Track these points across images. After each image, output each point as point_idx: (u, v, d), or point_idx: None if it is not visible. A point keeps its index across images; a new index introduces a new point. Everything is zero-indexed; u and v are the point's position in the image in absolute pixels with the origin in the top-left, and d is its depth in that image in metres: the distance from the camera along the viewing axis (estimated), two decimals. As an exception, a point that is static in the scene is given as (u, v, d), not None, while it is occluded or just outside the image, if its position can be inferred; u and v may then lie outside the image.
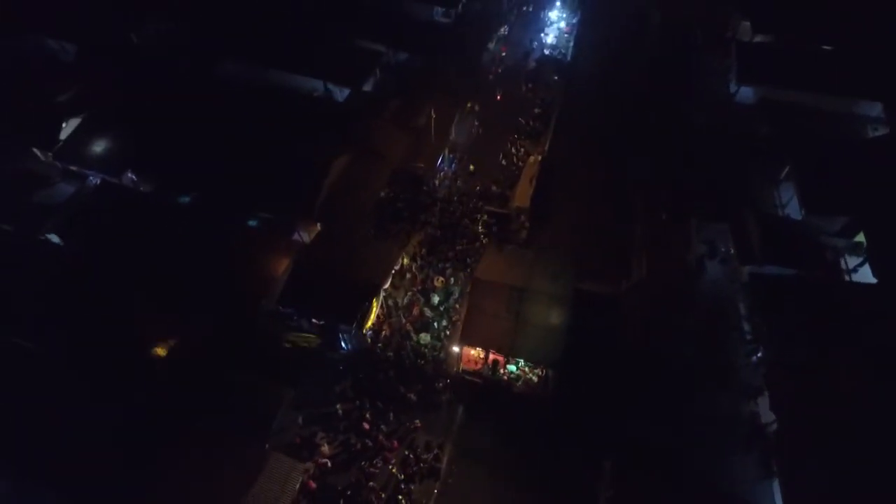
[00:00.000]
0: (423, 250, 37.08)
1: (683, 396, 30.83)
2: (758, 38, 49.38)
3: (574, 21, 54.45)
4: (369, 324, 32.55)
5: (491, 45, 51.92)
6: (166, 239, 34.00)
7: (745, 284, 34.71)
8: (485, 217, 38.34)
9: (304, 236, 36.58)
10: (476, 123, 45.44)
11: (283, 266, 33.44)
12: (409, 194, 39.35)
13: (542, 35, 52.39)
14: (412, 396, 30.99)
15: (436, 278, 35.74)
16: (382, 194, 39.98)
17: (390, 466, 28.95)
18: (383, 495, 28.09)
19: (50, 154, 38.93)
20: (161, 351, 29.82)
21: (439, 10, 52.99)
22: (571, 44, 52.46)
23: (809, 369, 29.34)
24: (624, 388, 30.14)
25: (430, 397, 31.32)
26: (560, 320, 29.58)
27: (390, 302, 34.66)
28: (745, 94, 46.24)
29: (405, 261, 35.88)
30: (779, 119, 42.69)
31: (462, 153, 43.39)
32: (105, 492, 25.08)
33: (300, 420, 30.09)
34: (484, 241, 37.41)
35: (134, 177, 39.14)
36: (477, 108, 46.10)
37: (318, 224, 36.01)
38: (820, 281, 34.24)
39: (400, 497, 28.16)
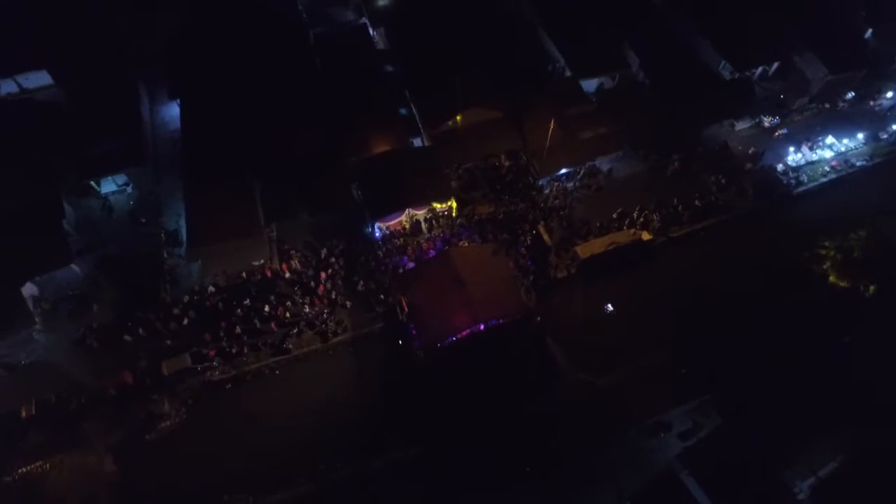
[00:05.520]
0: (476, 218, 41.20)
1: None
2: None
3: (857, 164, 44.59)
4: (386, 226, 39.61)
5: (739, 125, 46.92)
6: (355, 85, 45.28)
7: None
8: (534, 231, 39.90)
9: (420, 143, 44.02)
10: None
11: (381, 148, 41.88)
12: (513, 176, 42.88)
13: (796, 149, 44.78)
14: (361, 286, 38.10)
15: (463, 242, 40.09)
16: (508, 163, 44.34)
17: (307, 309, 37.52)
18: (288, 315, 37.22)
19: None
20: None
21: (728, 65, 49.14)
22: (822, 180, 43.90)
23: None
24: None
25: (372, 298, 37.93)
26: (464, 326, 32.27)
27: (420, 225, 40.71)
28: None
29: (454, 210, 40.80)
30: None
31: (592, 182, 43.59)
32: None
33: (301, 240, 40.31)
34: (522, 251, 39.64)
35: (383, 32, 50.76)
36: (677, 164, 44.41)
37: (430, 142, 42.89)
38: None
39: (296, 328, 36.99)
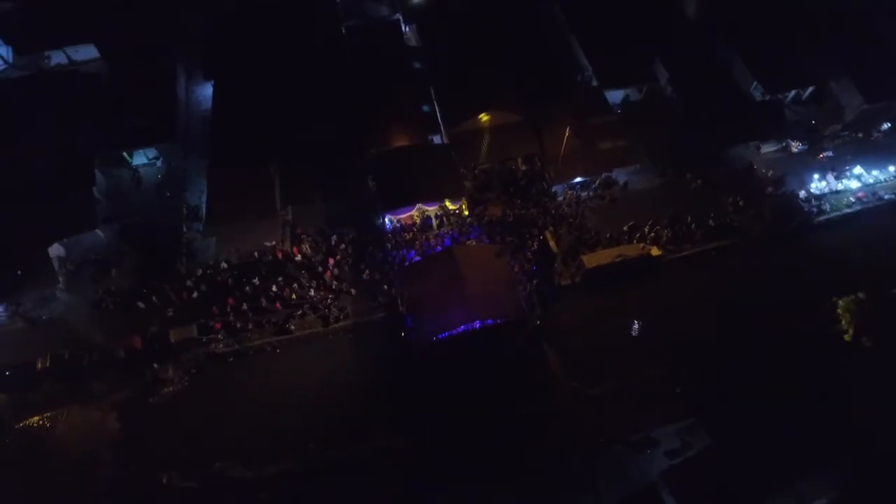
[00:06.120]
0: (487, 219, 41.58)
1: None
2: None
3: (885, 197, 43.19)
4: (397, 219, 40.39)
5: (765, 148, 45.95)
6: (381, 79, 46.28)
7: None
8: (540, 237, 40.02)
9: (439, 140, 44.64)
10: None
11: (400, 142, 42.68)
12: (528, 180, 43.10)
13: (820, 176, 43.63)
14: (366, 276, 38.97)
15: (471, 241, 40.52)
16: (524, 168, 44.61)
17: (313, 292, 38.58)
18: (293, 297, 38.37)
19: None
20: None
21: (759, 87, 48.06)
22: (846, 210, 42.69)
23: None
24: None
25: (376, 288, 38.76)
26: (459, 322, 32.82)
27: (431, 221, 41.34)
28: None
29: (465, 210, 41.29)
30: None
31: (606, 194, 43.45)
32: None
33: (314, 226, 41.42)
34: (528, 255, 39.86)
35: (415, 29, 51.60)
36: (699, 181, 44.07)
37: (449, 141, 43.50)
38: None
39: (300, 310, 38.11)
